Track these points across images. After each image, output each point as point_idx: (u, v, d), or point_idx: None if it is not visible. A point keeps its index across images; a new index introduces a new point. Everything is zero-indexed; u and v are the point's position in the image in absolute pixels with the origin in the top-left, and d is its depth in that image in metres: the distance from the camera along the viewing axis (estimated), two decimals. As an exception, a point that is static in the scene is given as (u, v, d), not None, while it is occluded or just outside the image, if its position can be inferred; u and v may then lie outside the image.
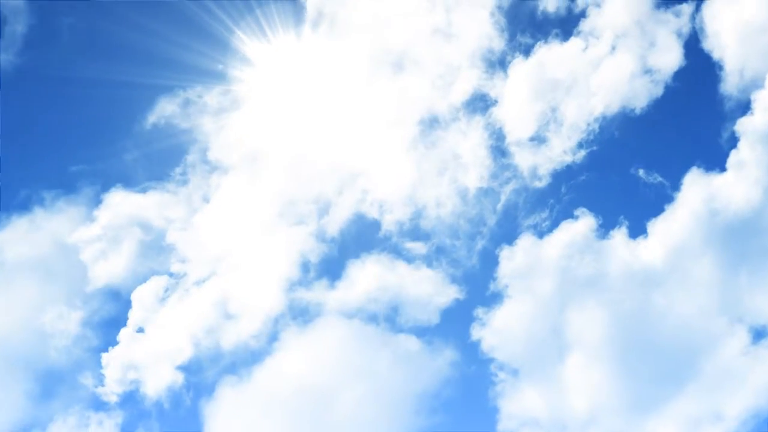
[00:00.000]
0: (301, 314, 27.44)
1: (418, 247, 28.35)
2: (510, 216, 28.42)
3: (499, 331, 27.12)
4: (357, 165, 28.68)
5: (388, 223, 28.42)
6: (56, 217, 27.38)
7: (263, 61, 28.34)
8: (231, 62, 27.57)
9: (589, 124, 28.43)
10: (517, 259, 27.93)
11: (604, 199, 28.61)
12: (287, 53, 28.39)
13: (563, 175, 28.51)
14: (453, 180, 28.57)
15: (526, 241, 28.09)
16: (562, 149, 28.49)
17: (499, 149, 28.65)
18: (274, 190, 28.58)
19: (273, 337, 27.07)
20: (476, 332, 27.24)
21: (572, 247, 27.62)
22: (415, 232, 28.29)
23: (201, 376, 26.47)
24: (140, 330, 26.78)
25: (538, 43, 28.56)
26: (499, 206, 28.41)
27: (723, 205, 27.16)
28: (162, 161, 28.15)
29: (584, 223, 27.90)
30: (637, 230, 27.63)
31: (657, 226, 27.56)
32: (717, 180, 27.44)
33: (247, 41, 27.61)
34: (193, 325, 26.76)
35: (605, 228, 27.82)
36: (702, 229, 27.14)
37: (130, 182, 27.85)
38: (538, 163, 28.53)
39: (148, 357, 26.51)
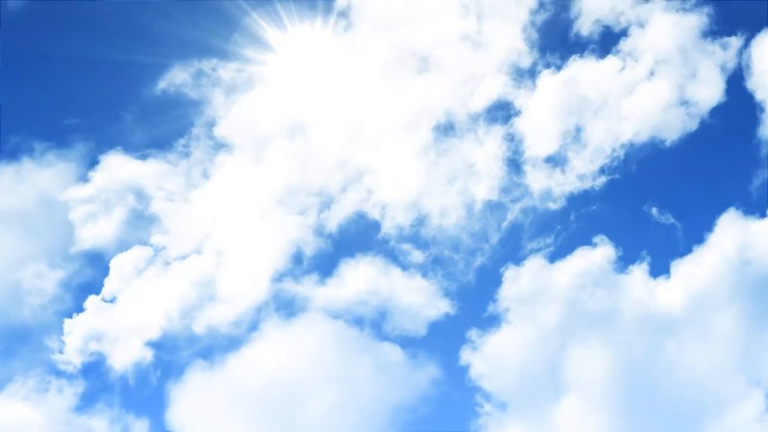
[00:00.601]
0: (286, 306, 26.14)
1: (415, 255, 26.92)
2: (517, 235, 26.68)
3: (491, 357, 25.05)
4: (365, 163, 27.58)
5: (389, 227, 27.10)
6: (46, 170, 26.63)
7: (284, 47, 27.55)
8: (251, 43, 26.85)
9: (614, 150, 26.63)
10: (523, 281, 25.90)
11: (626, 230, 26.52)
12: (310, 42, 27.55)
13: (580, 200, 26.69)
14: (462, 190, 27.04)
15: (535, 264, 26.09)
16: (582, 172, 26.70)
17: (515, 163, 27.05)
18: (277, 176, 27.57)
19: (252, 326, 25.62)
20: (466, 356, 25.25)
21: (586, 276, 25.41)
22: (415, 239, 26.96)
23: (171, 356, 25.14)
24: (111, 300, 25.60)
25: (573, 56, 27.00)
26: (506, 223, 26.76)
27: (758, 255, 24.77)
28: (166, 130, 27.37)
29: (602, 252, 25.74)
30: (660, 269, 25.50)
31: (682, 267, 25.28)
32: (755, 226, 25.12)
33: (271, 26, 26.87)
34: (170, 302, 25.47)
35: (624, 261, 25.68)
36: (731, 277, 24.72)
37: (130, 147, 27.08)
38: (555, 183, 26.79)
39: (118, 328, 25.23)
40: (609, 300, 24.95)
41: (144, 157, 27.19)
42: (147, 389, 24.62)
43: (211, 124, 27.53)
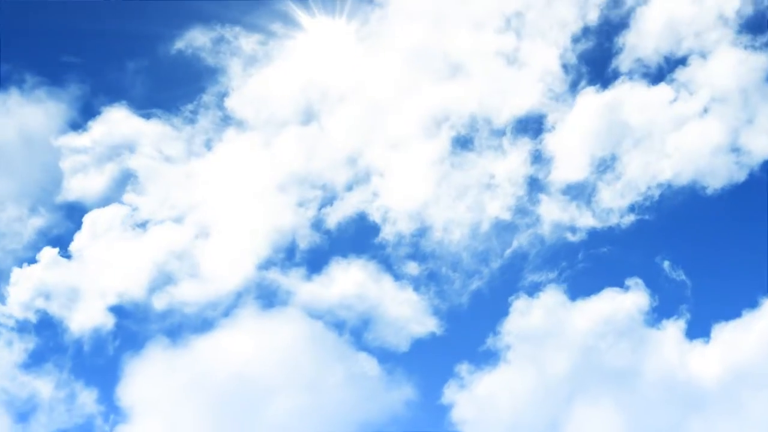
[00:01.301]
0: (267, 296, 24.50)
1: (410, 266, 25.25)
2: (521, 263, 24.82)
3: (480, 399, 22.04)
4: (376, 163, 26.00)
5: (388, 232, 25.46)
6: (35, 106, 24.91)
7: (311, 30, 26.03)
8: (278, 19, 25.33)
9: (649, 188, 23.90)
10: (534, 316, 22.85)
11: (662, 279, 23.22)
12: (338, 29, 26.01)
13: (602, 236, 24.06)
14: (472, 206, 25.33)
15: (552, 297, 23.24)
16: (609, 206, 24.10)
17: (536, 183, 24.80)
18: (283, 162, 25.97)
19: (227, 311, 23.92)
20: (450, 393, 22.51)
21: (610, 323, 22.16)
22: (413, 250, 25.32)
23: (134, 327, 23.31)
24: (69, 256, 23.72)
25: (621, 77, 24.38)
26: (510, 250, 24.86)
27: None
28: (175, 92, 25.83)
29: (634, 298, 22.69)
30: (699, 330, 22.19)
31: (725, 333, 21.86)
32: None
33: (301, 7, 25.36)
34: (142, 269, 23.69)
35: (659, 314, 22.50)
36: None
37: (135, 102, 25.51)
38: (577, 212, 24.35)
39: (78, 288, 23.39)
40: (633, 355, 21.58)
41: (147, 116, 25.65)
42: (102, 358, 22.82)
43: (223, 95, 26.02)
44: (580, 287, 23.45)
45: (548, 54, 25.60)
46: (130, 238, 24.05)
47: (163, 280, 23.74)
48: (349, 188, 25.55)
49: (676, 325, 22.43)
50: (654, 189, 23.97)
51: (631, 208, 23.92)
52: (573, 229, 24.35)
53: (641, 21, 24.75)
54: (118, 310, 23.20)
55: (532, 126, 25.05)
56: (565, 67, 25.22)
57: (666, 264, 23.56)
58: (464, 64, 26.13)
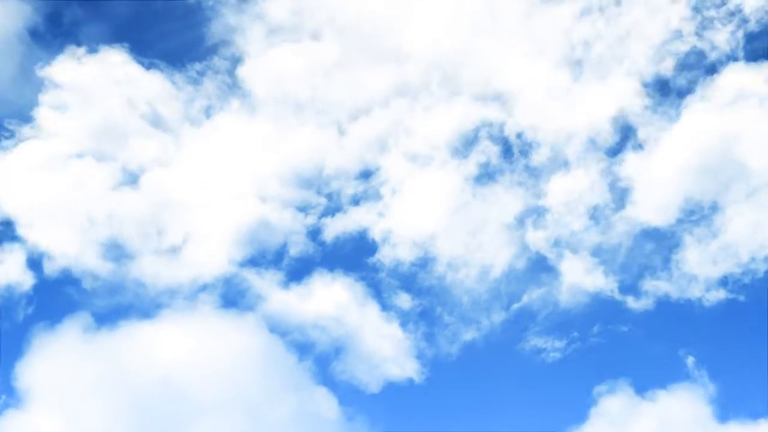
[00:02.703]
0: (232, 295, 20.71)
1: (402, 298, 21.47)
2: (536, 323, 20.82)
3: None
4: (391, 181, 22.35)
5: (385, 255, 21.80)
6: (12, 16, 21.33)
7: (352, 23, 22.56)
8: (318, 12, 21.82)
9: (754, 259, 17.16)
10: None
11: (741, 371, 17.74)
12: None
13: (682, 310, 18.01)
14: (488, 246, 21.42)
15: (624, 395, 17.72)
16: (693, 271, 17.84)
17: (602, 216, 18.91)
18: (291, 155, 22.40)
19: (180, 301, 20.05)
20: None
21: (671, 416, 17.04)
22: (409, 281, 21.61)
23: (55, 295, 19.04)
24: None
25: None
26: (522, 304, 20.93)
27: None
28: (185, 45, 22.32)
29: (700, 396, 17.40)
30: None
31: None
32: None
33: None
34: (89, 228, 19.70)
35: (726, 410, 17.18)
36: None
37: (137, 49, 22.04)
38: (647, 269, 18.36)
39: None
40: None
41: (149, 67, 22.18)
42: (6, 324, 18.58)
43: (237, 60, 22.53)
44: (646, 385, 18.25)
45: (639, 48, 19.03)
46: (92, 190, 20.25)
47: (112, 245, 19.89)
48: (356, 203, 22.19)
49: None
50: (760, 262, 17.49)
51: (723, 282, 17.61)
52: (640, 291, 18.55)
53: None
54: (40, 269, 19.13)
55: (611, 140, 18.97)
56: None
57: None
58: (509, 91, 22.54)
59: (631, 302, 19.19)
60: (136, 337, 18.15)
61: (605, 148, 19.55)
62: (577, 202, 19.39)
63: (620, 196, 19.18)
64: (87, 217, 19.51)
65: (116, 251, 19.82)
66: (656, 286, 18.27)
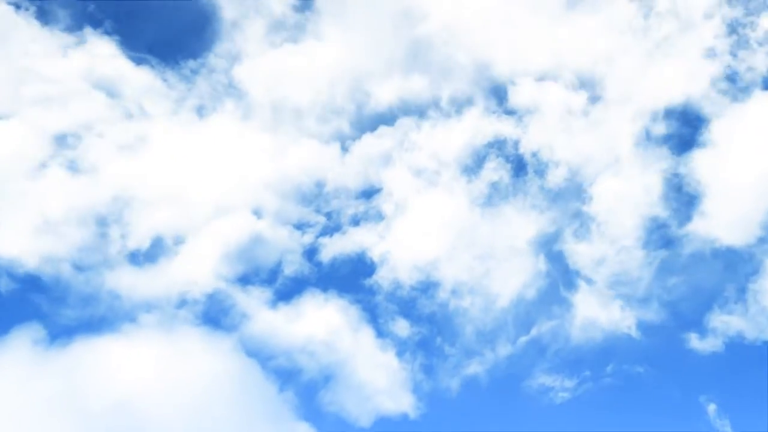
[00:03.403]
0: (214, 312, 18.70)
1: (400, 325, 19.42)
2: (544, 360, 18.75)
3: None
4: (394, 198, 20.48)
5: (384, 277, 19.89)
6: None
7: (357, 25, 20.97)
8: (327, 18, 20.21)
9: None
10: None
11: None
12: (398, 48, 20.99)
13: (759, 353, 15.61)
14: (499, 273, 19.46)
15: None
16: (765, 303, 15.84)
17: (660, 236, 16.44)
18: (290, 169, 20.68)
19: (155, 317, 18.03)
20: None
21: None
22: (408, 307, 19.56)
23: (18, 302, 16.97)
24: None
25: None
26: (532, 336, 18.90)
27: None
28: (180, 41, 20.68)
29: None
30: None
31: None
32: None
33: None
34: (68, 233, 17.84)
35: None
36: None
37: (129, 42, 20.37)
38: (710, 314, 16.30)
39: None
40: None
41: (139, 61, 20.49)
42: None
43: (234, 59, 20.83)
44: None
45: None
46: (74, 186, 18.38)
47: (90, 254, 17.92)
48: (356, 223, 20.27)
49: None
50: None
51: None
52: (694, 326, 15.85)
53: None
54: (9, 265, 17.07)
55: (665, 144, 16.86)
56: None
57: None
58: (528, 106, 20.83)
59: (695, 341, 16.57)
60: (97, 354, 16.04)
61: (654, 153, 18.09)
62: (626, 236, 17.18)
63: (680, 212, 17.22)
64: (52, 217, 17.60)
65: (89, 257, 17.90)
66: (727, 321, 15.68)
